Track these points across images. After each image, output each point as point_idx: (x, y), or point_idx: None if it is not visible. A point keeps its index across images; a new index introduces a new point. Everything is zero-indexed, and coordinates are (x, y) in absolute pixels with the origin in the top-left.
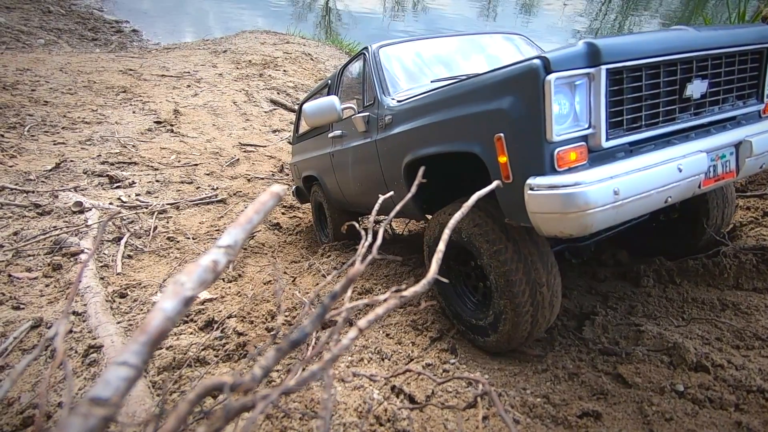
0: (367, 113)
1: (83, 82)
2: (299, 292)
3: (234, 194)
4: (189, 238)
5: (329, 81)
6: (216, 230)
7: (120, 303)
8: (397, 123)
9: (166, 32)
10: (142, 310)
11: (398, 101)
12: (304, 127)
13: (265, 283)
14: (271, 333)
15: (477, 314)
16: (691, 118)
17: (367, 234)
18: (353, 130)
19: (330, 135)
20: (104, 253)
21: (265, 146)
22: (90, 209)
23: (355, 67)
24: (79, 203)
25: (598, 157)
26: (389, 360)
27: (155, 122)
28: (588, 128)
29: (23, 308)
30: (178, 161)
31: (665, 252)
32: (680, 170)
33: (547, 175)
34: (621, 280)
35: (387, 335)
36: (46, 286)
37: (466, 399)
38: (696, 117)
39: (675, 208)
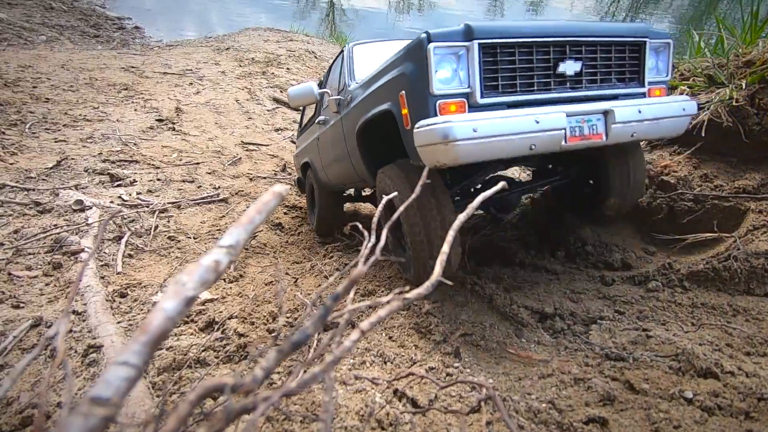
0: (340, 97)
1: (85, 79)
2: (301, 293)
3: (236, 194)
4: (190, 238)
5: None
6: (217, 230)
7: (120, 303)
8: (354, 99)
9: (169, 29)
10: (142, 310)
11: (356, 83)
12: (304, 120)
13: (266, 284)
14: (273, 334)
15: (403, 254)
16: (566, 90)
17: (369, 235)
18: (332, 114)
19: (316, 121)
20: (104, 252)
21: (268, 145)
22: (91, 207)
23: (337, 62)
24: (79, 201)
25: (475, 110)
26: (392, 363)
27: (157, 120)
28: (467, 88)
29: (23, 307)
30: (180, 160)
31: (581, 209)
32: (537, 122)
33: (430, 120)
34: (629, 284)
35: (389, 338)
36: (46, 284)
37: (469, 403)
38: (573, 90)
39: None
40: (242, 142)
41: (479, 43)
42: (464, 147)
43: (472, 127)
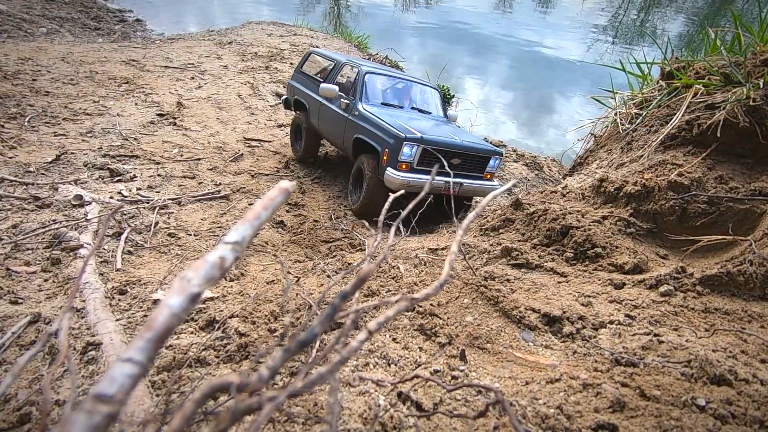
0: (348, 101)
1: (85, 72)
2: (304, 292)
3: (237, 190)
4: (191, 235)
5: (332, 66)
6: (218, 227)
7: (119, 300)
8: (358, 118)
9: (171, 23)
10: (141, 307)
11: (363, 108)
12: (307, 68)
13: (268, 283)
14: (274, 334)
15: (357, 195)
16: (454, 171)
17: (377, 232)
18: (341, 103)
19: (321, 90)
20: (104, 249)
21: (270, 141)
22: (90, 203)
23: (348, 71)
24: (79, 197)
25: (413, 171)
26: (396, 365)
27: (158, 115)
28: (412, 160)
29: (21, 303)
30: (181, 155)
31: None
32: (436, 180)
33: (395, 170)
34: (640, 287)
35: (393, 339)
36: (45, 280)
37: (475, 408)
38: (455, 170)
39: (450, 197)
40: (244, 138)
41: (423, 145)
42: (404, 184)
43: (409, 179)
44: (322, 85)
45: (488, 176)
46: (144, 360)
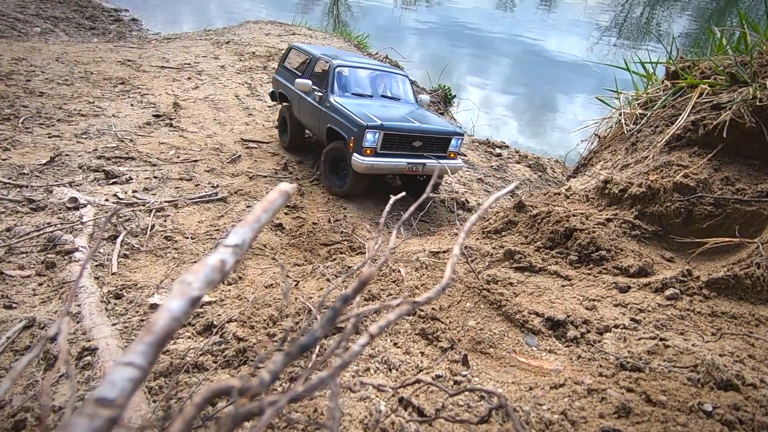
0: (321, 94)
1: (80, 72)
2: (303, 296)
3: (235, 192)
4: (188, 238)
5: (309, 60)
6: (216, 230)
7: (115, 304)
8: (329, 109)
9: (167, 22)
10: (138, 312)
11: (334, 100)
12: (289, 63)
13: (266, 287)
14: (273, 338)
15: (338, 179)
16: (416, 153)
17: (378, 235)
18: (315, 96)
19: (296, 85)
20: (99, 252)
21: (269, 143)
22: (85, 205)
23: (322, 65)
24: (74, 199)
25: (376, 154)
26: (397, 371)
27: (154, 116)
28: (375, 146)
29: (15, 307)
30: (177, 157)
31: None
32: (395, 162)
33: (360, 155)
34: (645, 291)
35: (394, 344)
36: (39, 284)
37: (478, 413)
38: (419, 152)
39: (419, 177)
40: (242, 139)
41: (384, 131)
42: (369, 168)
43: (373, 163)
44: (297, 80)
45: (452, 155)
46: (144, 364)
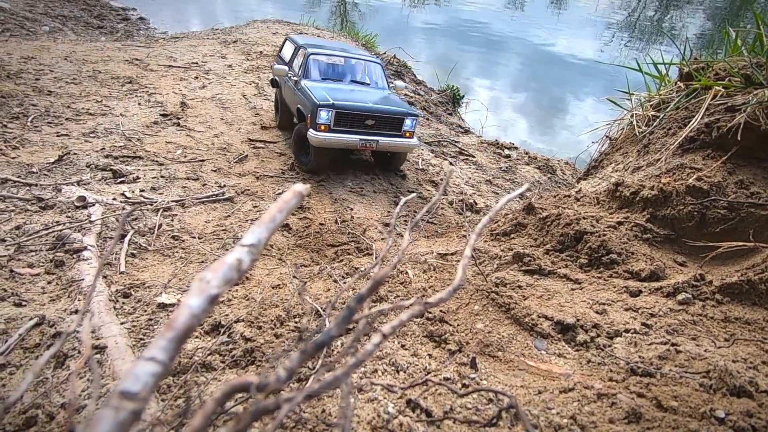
0: (296, 78)
1: (88, 71)
2: (311, 297)
3: (242, 192)
4: (194, 238)
5: (293, 51)
6: (222, 230)
7: (123, 303)
8: (300, 91)
9: (174, 21)
10: (146, 311)
11: (304, 84)
12: (284, 53)
13: (273, 287)
14: (280, 339)
15: (304, 156)
16: (369, 130)
17: (389, 236)
18: (293, 80)
19: (274, 70)
20: (107, 251)
21: (275, 142)
22: (93, 204)
23: (301, 55)
24: (82, 198)
25: (331, 130)
26: (405, 372)
27: (161, 115)
28: (329, 122)
29: (25, 305)
30: (184, 156)
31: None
32: (347, 137)
33: (315, 130)
34: (657, 295)
35: (402, 346)
36: (48, 283)
37: (486, 416)
38: (371, 130)
39: (382, 154)
40: (249, 138)
41: (336, 110)
42: (322, 142)
43: (326, 137)
44: (275, 66)
45: (407, 134)
46: (166, 359)
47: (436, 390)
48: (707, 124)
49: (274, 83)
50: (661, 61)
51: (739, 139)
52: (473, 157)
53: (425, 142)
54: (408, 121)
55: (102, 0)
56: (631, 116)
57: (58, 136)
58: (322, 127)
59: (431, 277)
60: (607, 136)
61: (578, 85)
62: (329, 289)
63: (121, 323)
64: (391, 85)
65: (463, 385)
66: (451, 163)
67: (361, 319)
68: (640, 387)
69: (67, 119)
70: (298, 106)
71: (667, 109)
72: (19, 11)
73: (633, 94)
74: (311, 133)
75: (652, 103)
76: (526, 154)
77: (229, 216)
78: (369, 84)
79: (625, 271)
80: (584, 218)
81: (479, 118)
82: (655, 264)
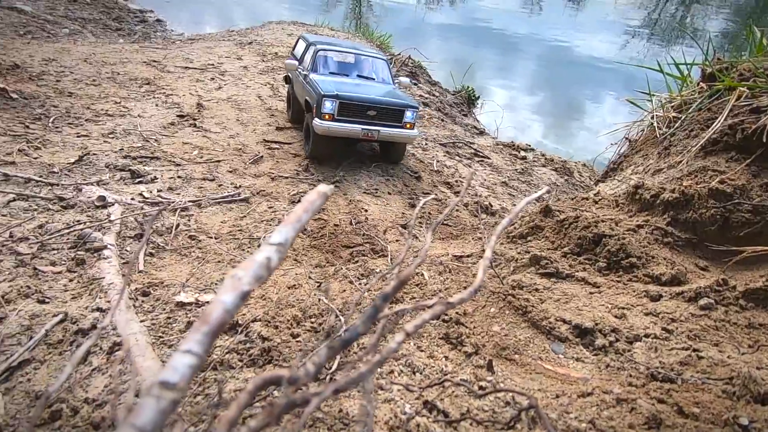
0: (306, 73)
1: (107, 73)
2: (327, 298)
3: (257, 193)
4: (211, 238)
5: (305, 48)
6: (238, 230)
7: (143, 302)
8: (308, 84)
9: (190, 22)
10: (164, 309)
11: (312, 77)
12: (296, 50)
13: (289, 287)
14: (297, 339)
15: (307, 144)
16: (371, 121)
17: (408, 236)
18: (303, 75)
19: (286, 65)
20: (126, 250)
21: (290, 143)
22: (113, 204)
23: (311, 51)
24: (102, 198)
25: (335, 120)
26: (421, 374)
27: (178, 116)
28: (332, 112)
29: (48, 302)
30: (201, 157)
31: (383, 158)
32: (350, 127)
33: (320, 119)
34: (678, 300)
35: (418, 348)
36: (70, 280)
37: (504, 419)
38: (373, 120)
39: (381, 144)
40: (264, 139)
41: (340, 101)
42: (326, 130)
43: (329, 126)
44: (287, 60)
45: (408, 126)
46: (201, 352)
47: (453, 391)
48: (731, 126)
49: (287, 80)
50: (682, 62)
51: (764, 141)
52: (488, 158)
53: (440, 144)
54: (409, 113)
55: (120, 2)
56: (652, 118)
57: (78, 136)
58: (327, 117)
59: (447, 279)
60: (626, 138)
61: (597, 85)
62: (345, 290)
63: (141, 321)
64: (396, 81)
65: (480, 388)
66: (469, 165)
67: (383, 318)
68: (660, 393)
69: (86, 120)
70: (306, 97)
71: (689, 111)
72: (41, 14)
73: (653, 95)
74: (316, 121)
75: (673, 104)
76: (543, 155)
77: (244, 216)
78: (374, 79)
79: (645, 275)
80: (603, 221)
81: (495, 119)
82: (676, 268)
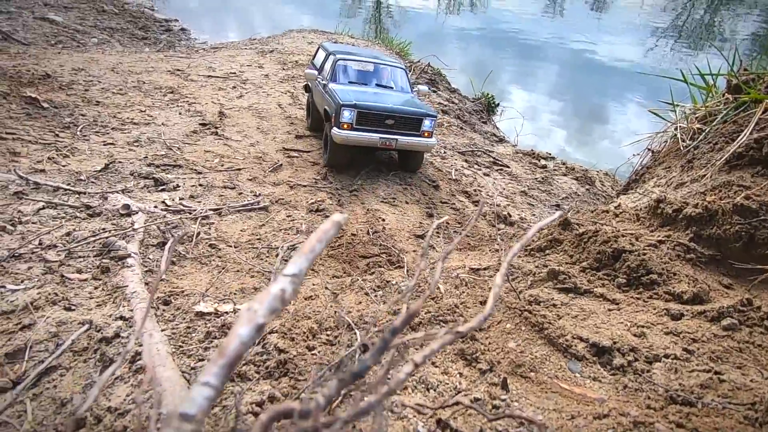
0: (325, 83)
1: (133, 82)
2: (343, 310)
3: (276, 201)
4: (230, 246)
5: (324, 57)
6: (257, 239)
7: (164, 310)
8: (328, 93)
9: (214, 31)
10: (184, 318)
11: (331, 87)
12: (316, 59)
13: (306, 298)
14: (312, 352)
15: (326, 153)
16: (389, 130)
17: (423, 257)
18: (322, 84)
19: (306, 74)
20: (149, 258)
21: (309, 152)
22: (137, 212)
23: (330, 60)
24: (126, 206)
25: (353, 129)
26: (435, 391)
27: (200, 124)
28: (351, 121)
29: (74, 309)
30: (221, 165)
31: (401, 167)
32: (368, 135)
33: (338, 128)
34: (700, 319)
35: (432, 363)
36: (95, 288)
37: None
38: (392, 129)
39: (400, 152)
40: (284, 148)
41: (358, 110)
42: (345, 139)
43: (348, 135)
44: (306, 70)
45: (426, 134)
46: (219, 384)
47: (467, 411)
48: (757, 140)
49: (307, 88)
50: (707, 72)
51: None
52: (508, 167)
53: (458, 152)
54: (427, 122)
55: (146, 12)
56: (675, 129)
57: (104, 144)
58: (345, 126)
59: (463, 293)
60: (648, 149)
61: (620, 92)
62: (360, 302)
63: (162, 330)
64: (414, 89)
65: (494, 407)
66: (488, 174)
67: (393, 347)
68: (679, 416)
69: (113, 128)
70: (325, 106)
71: (714, 123)
72: (71, 24)
73: (677, 105)
74: (335, 130)
75: (697, 115)
76: (563, 164)
77: (263, 225)
78: (393, 88)
79: (666, 293)
80: (623, 236)
81: (515, 126)
82: (699, 286)
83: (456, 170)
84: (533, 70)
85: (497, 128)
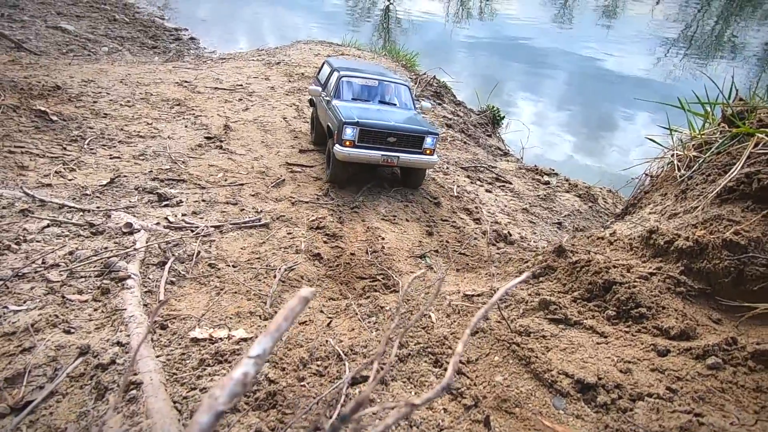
0: (329, 99)
1: (141, 94)
2: (333, 339)
3: (277, 218)
4: (230, 266)
5: (329, 73)
6: (257, 258)
7: (161, 335)
8: (331, 110)
9: (222, 40)
10: (180, 344)
11: (334, 103)
12: (321, 74)
13: (300, 323)
14: (302, 383)
15: (329, 169)
16: (392, 147)
17: (400, 304)
18: (326, 100)
19: (310, 91)
20: (149, 278)
21: (312, 167)
22: (139, 230)
23: (334, 77)
24: (129, 224)
25: (355, 146)
26: (417, 428)
27: (205, 137)
28: (353, 138)
29: (73, 332)
30: (225, 180)
31: (403, 183)
32: (370, 153)
33: (341, 146)
34: (686, 357)
35: (418, 397)
36: (95, 310)
37: None
38: (393, 146)
39: (402, 169)
40: (287, 162)
41: (360, 128)
42: (347, 156)
43: (350, 152)
44: (310, 87)
45: (428, 152)
46: None
47: None
48: (747, 175)
49: (311, 102)
50: (705, 100)
51: None
52: (510, 183)
53: (461, 167)
54: (428, 139)
55: (157, 21)
56: (672, 155)
57: (110, 158)
58: (347, 143)
59: (454, 321)
60: (646, 174)
61: (628, 102)
62: (353, 329)
63: (157, 356)
64: (417, 106)
65: None
66: (490, 191)
67: (352, 421)
68: None
69: (119, 142)
70: (328, 123)
71: (708, 153)
72: (83, 33)
73: (674, 130)
74: (337, 147)
75: (694, 143)
76: (567, 180)
77: (263, 243)
78: (396, 104)
79: (655, 327)
80: (614, 266)
81: (520, 138)
82: (686, 322)
83: (458, 186)
84: (542, 79)
85: (502, 141)
